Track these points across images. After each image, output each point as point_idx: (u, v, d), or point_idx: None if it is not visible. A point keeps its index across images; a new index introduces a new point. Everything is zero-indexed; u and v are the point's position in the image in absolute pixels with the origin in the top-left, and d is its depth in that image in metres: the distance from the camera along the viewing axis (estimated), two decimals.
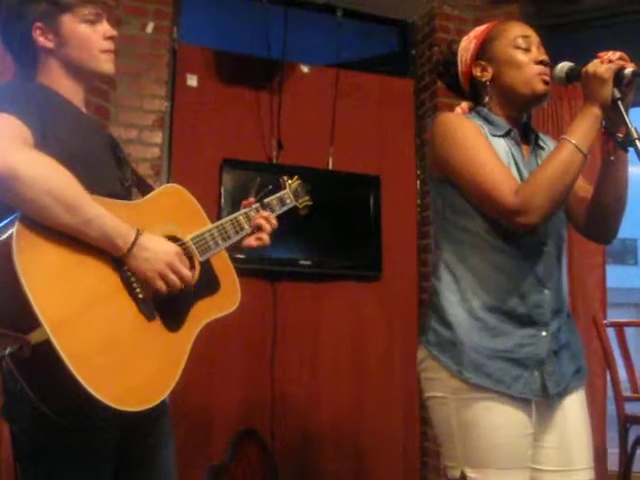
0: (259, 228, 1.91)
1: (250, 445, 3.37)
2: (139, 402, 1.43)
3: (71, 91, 1.70)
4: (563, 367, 1.77)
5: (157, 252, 1.53)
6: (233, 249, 1.89)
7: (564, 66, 1.76)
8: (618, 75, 1.62)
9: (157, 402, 1.47)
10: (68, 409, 1.38)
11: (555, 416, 1.77)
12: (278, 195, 2.04)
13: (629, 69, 1.62)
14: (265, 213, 1.94)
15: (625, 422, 3.27)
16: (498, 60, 1.84)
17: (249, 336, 3.47)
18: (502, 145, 1.80)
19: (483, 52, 1.88)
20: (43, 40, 1.67)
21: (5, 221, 1.38)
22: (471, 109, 1.92)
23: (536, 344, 1.73)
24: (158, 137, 3.39)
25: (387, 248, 3.85)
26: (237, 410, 3.45)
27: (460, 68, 1.94)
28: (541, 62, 1.80)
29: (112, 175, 1.70)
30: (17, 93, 1.57)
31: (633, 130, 1.60)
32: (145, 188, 1.82)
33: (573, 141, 1.64)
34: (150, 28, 3.45)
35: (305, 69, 3.91)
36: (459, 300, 1.76)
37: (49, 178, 1.39)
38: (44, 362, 1.31)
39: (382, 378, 3.77)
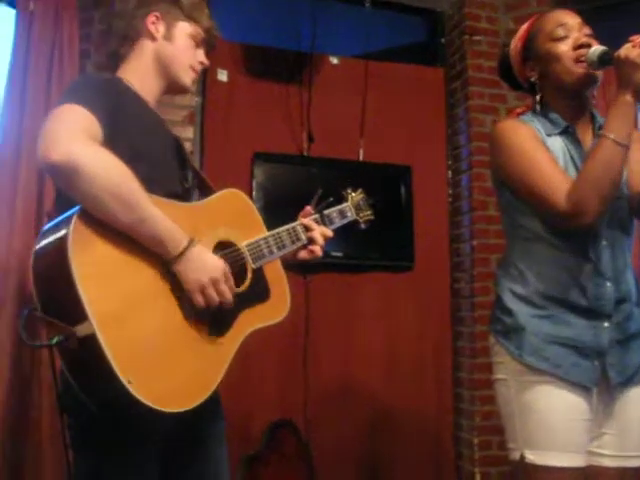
0: (312, 240, 1.90)
1: (285, 435, 3.39)
2: (177, 404, 1.43)
3: (148, 87, 1.75)
4: (629, 357, 1.78)
5: (204, 266, 1.52)
6: (285, 260, 1.87)
7: (596, 50, 1.74)
8: None
9: (194, 405, 1.47)
10: (109, 403, 1.40)
11: (617, 404, 1.80)
12: (339, 207, 2.03)
13: None
14: (321, 228, 1.92)
15: None
16: (540, 57, 1.86)
17: (282, 328, 3.44)
18: (559, 144, 1.82)
19: (528, 52, 1.90)
20: (153, 27, 1.76)
21: (66, 214, 1.41)
22: (532, 106, 1.92)
23: (597, 335, 1.75)
24: (190, 132, 3.40)
25: (419, 238, 3.84)
26: (272, 401, 3.48)
27: (515, 70, 1.96)
28: (580, 46, 1.78)
29: (174, 175, 1.72)
30: (93, 87, 1.60)
31: None
32: (207, 190, 1.82)
33: (611, 136, 1.64)
34: None
35: (334, 61, 3.91)
36: (521, 291, 1.80)
37: (109, 174, 1.40)
38: (88, 355, 1.33)
39: (415, 369, 3.76)
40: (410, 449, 3.66)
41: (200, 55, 1.83)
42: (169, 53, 1.77)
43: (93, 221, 1.40)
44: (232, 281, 1.60)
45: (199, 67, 1.84)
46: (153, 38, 1.76)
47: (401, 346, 3.77)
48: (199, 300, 1.52)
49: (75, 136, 1.41)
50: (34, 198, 3.03)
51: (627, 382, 1.78)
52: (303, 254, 1.91)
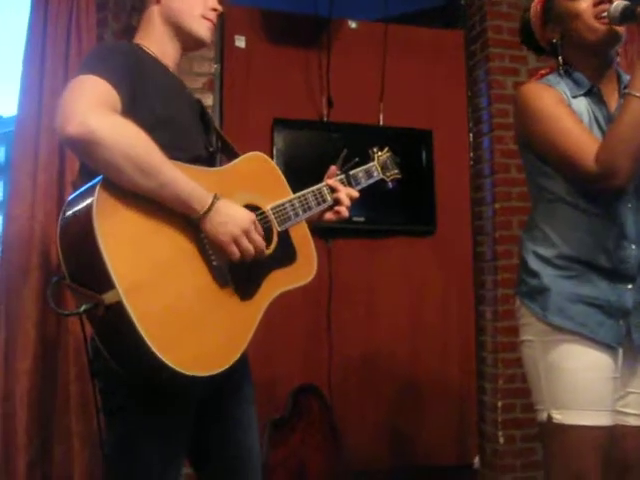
0: (337, 201, 1.87)
1: (309, 399, 3.43)
2: (205, 368, 1.44)
3: (165, 50, 1.73)
4: None
5: (233, 217, 1.52)
6: (311, 221, 1.86)
7: (618, 5, 1.70)
8: None
9: (222, 369, 1.47)
10: (139, 368, 1.42)
11: None
12: (365, 167, 2.00)
13: None
14: (347, 189, 1.89)
15: None
16: (560, 17, 1.82)
17: (305, 292, 3.48)
18: (583, 105, 1.79)
19: (548, 13, 1.87)
20: None
21: (89, 184, 1.41)
22: (557, 69, 1.89)
23: (621, 296, 1.75)
24: (209, 99, 3.40)
25: (441, 202, 3.83)
26: (296, 366, 3.53)
27: (537, 34, 1.94)
28: (601, 1, 1.74)
29: (198, 140, 1.71)
30: (110, 56, 1.58)
31: None
32: (231, 154, 1.81)
33: (637, 94, 1.61)
34: None
35: (353, 25, 3.87)
36: (545, 253, 1.80)
37: (127, 142, 1.40)
38: (117, 322, 1.34)
39: (438, 332, 3.79)
40: (433, 412, 3.69)
41: (211, 1, 1.78)
42: (176, 8, 1.73)
43: (117, 189, 1.40)
44: (262, 230, 1.60)
45: (212, 14, 1.78)
46: (157, 1, 1.74)
47: (424, 310, 3.78)
48: (233, 252, 1.52)
49: (91, 107, 1.40)
50: (55, 168, 3.06)
51: None
52: (329, 215, 1.89)
